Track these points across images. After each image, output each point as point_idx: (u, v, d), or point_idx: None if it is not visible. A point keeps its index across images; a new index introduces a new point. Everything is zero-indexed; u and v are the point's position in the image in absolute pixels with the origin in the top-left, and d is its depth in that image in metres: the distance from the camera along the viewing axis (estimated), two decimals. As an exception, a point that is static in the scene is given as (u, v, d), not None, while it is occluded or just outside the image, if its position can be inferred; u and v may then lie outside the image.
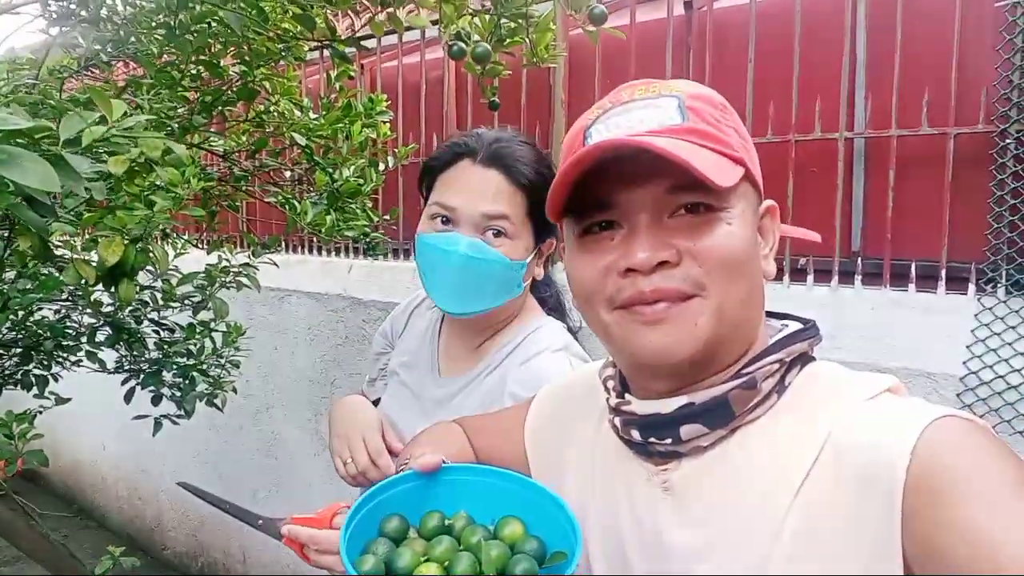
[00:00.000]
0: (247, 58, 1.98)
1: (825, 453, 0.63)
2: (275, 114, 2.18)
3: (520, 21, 1.60)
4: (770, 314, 0.79)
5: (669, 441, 0.70)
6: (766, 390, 0.69)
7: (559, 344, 1.26)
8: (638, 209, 0.67)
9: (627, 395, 0.76)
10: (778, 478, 0.65)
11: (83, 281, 1.39)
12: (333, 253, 3.70)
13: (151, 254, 1.40)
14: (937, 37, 2.08)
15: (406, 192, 3.34)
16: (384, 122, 2.42)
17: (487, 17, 1.63)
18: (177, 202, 1.41)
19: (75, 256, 1.33)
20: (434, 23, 1.31)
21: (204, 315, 2.40)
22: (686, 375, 0.70)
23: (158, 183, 1.47)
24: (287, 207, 2.03)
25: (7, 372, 2.75)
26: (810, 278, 2.30)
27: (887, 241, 2.18)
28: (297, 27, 2.09)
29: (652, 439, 0.71)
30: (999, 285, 2.00)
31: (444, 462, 0.85)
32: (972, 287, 2.06)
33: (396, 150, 2.58)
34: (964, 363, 1.99)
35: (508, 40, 1.65)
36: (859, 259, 2.26)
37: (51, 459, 6.08)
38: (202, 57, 2.04)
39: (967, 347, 2.00)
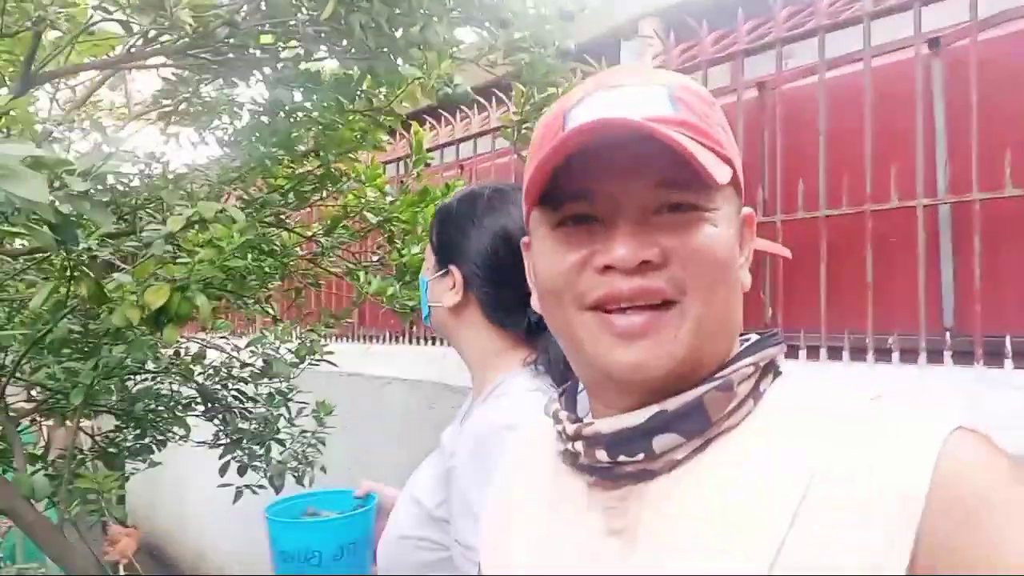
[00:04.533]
0: (324, 144, 2.18)
1: (821, 474, 0.57)
2: (352, 196, 2.35)
3: (552, 89, 1.67)
4: None
5: (641, 456, 0.62)
6: (742, 394, 0.63)
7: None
8: (622, 203, 0.61)
9: (586, 418, 0.69)
10: (767, 499, 0.57)
11: (132, 325, 1.53)
12: (435, 343, 3.81)
13: (196, 304, 1.53)
14: (1018, 93, 1.96)
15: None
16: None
17: (520, 88, 1.72)
18: (221, 254, 1.55)
19: (125, 300, 1.47)
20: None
21: (283, 386, 2.54)
22: (658, 392, 0.63)
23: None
24: (351, 278, 2.16)
25: (126, 444, 3.01)
26: (895, 356, 2.13)
27: (977, 315, 1.99)
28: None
29: (621, 456, 0.63)
30: (1111, 360, 1.76)
31: None
32: (1080, 363, 1.83)
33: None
34: (1074, 448, 1.74)
35: (545, 109, 1.72)
36: (948, 335, 2.07)
37: (178, 532, 6.33)
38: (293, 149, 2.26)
39: (1076, 430, 1.75)
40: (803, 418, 0.61)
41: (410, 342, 3.94)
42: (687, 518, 0.60)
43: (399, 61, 1.37)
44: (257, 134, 2.30)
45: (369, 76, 1.93)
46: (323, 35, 1.67)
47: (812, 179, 2.33)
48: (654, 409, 0.62)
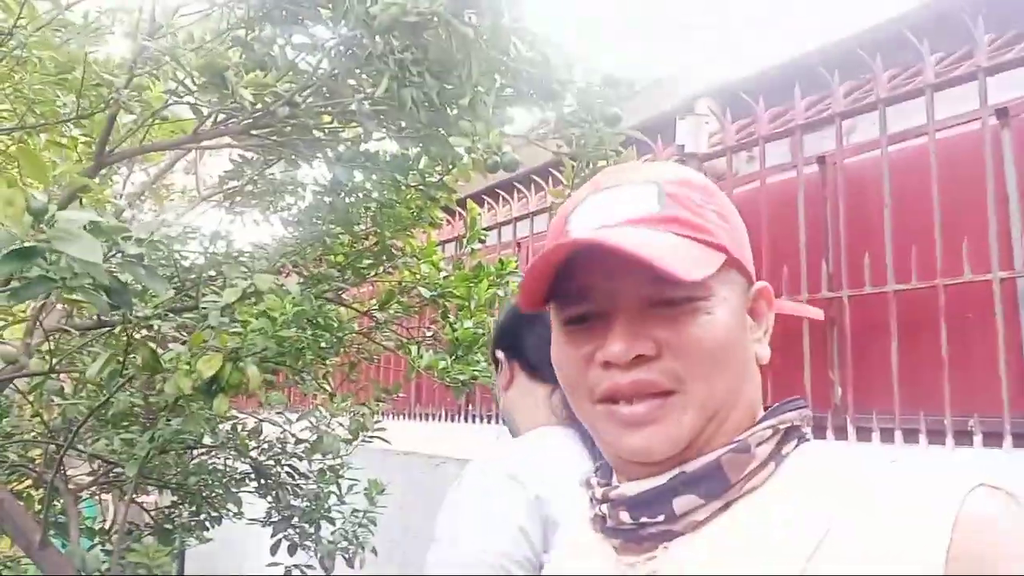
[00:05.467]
0: (381, 221, 2.22)
1: (837, 530, 0.59)
2: (406, 271, 2.38)
3: (602, 163, 1.67)
4: None
5: (662, 518, 0.66)
6: (761, 456, 0.66)
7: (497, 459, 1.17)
8: (616, 300, 0.66)
9: (614, 480, 0.73)
10: (782, 555, 0.60)
11: (185, 395, 1.55)
12: (490, 422, 3.76)
13: (247, 374, 1.54)
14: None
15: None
16: (514, 281, 2.55)
17: (570, 163, 1.72)
18: (274, 325, 1.56)
19: (179, 368, 1.49)
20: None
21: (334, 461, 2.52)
22: (675, 466, 0.67)
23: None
24: (404, 351, 2.15)
25: (181, 521, 3.01)
26: (978, 439, 1.99)
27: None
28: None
29: (644, 518, 0.67)
30: None
31: None
32: None
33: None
34: None
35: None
36: (1035, 417, 1.93)
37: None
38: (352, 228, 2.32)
39: None
40: (823, 479, 0.64)
41: (465, 420, 3.89)
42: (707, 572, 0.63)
43: (451, 138, 1.39)
44: (319, 213, 2.37)
45: (425, 155, 1.98)
46: (380, 114, 1.71)
47: (879, 253, 2.25)
48: (675, 471, 0.66)
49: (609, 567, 0.70)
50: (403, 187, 2.21)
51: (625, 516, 0.68)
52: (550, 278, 0.67)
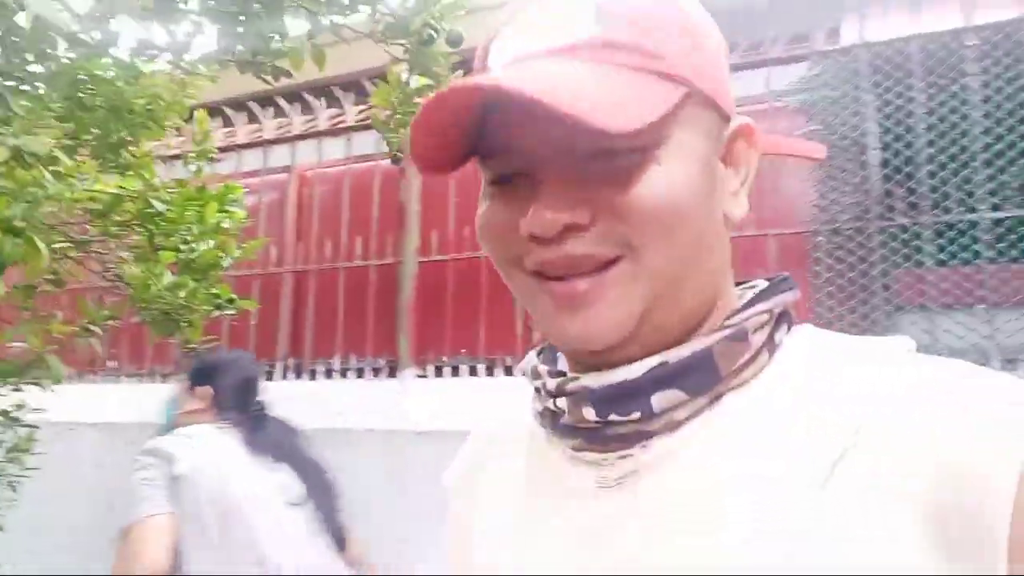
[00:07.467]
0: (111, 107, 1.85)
1: (864, 441, 0.48)
2: (141, 176, 2.02)
3: (432, 80, 1.69)
4: None
5: (636, 416, 0.53)
6: (756, 344, 0.55)
7: None
8: (543, 155, 0.52)
9: (560, 365, 0.61)
10: (792, 462, 0.50)
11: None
12: (132, 379, 3.30)
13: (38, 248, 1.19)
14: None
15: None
16: (236, 211, 2.34)
17: (398, 72, 1.71)
18: (71, 190, 1.24)
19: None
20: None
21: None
22: (633, 355, 0.53)
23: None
24: (144, 267, 1.81)
25: None
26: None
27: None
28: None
29: (613, 415, 0.53)
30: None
31: None
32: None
33: (243, 244, 2.46)
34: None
35: (418, 99, 1.73)
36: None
37: None
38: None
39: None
40: (839, 371, 0.53)
41: (105, 381, 3.35)
42: (694, 481, 0.52)
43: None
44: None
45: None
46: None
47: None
48: (654, 361, 0.53)
49: (565, 468, 0.58)
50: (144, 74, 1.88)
51: (590, 413, 0.54)
52: (444, 134, 0.52)
